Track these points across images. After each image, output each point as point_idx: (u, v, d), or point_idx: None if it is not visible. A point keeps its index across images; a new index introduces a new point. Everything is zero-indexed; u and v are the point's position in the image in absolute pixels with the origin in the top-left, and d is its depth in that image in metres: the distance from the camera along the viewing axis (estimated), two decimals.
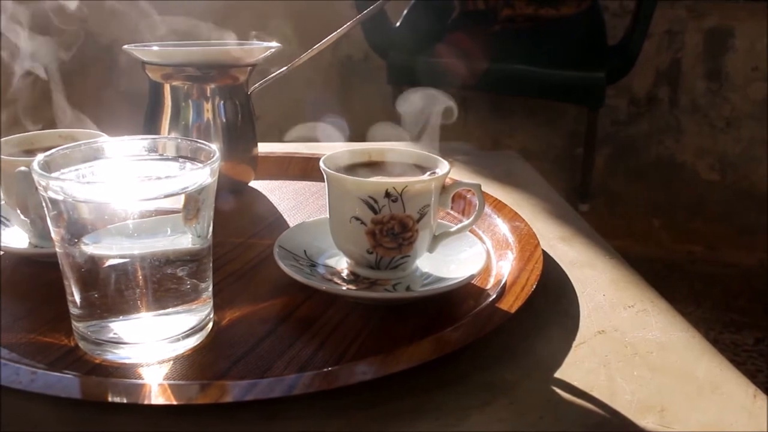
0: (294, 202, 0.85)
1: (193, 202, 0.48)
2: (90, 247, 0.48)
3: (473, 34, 2.08)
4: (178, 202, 0.48)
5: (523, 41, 2.14)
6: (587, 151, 2.26)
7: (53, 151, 0.51)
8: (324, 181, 0.62)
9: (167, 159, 0.54)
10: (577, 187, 2.32)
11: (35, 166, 0.48)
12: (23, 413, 0.46)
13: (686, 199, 2.45)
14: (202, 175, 0.48)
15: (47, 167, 0.49)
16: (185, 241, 0.50)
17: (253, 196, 0.87)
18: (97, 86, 2.33)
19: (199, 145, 0.54)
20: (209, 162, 0.49)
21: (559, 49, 2.11)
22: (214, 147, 0.51)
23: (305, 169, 0.94)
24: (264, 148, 0.90)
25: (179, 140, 0.55)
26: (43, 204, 0.48)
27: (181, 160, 0.54)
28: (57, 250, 0.50)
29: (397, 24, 2.21)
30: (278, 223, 0.79)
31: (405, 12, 2.23)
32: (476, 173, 0.99)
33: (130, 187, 0.49)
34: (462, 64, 1.97)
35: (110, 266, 0.48)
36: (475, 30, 2.12)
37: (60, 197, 0.47)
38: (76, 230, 0.48)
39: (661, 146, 2.47)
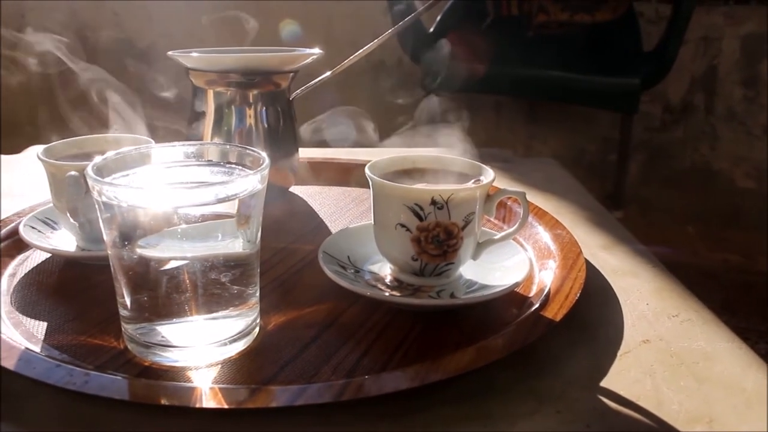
0: (334, 208, 0.85)
1: (244, 207, 0.49)
2: (142, 251, 0.49)
3: (507, 39, 2.08)
4: (232, 208, 0.49)
5: (558, 47, 2.13)
6: (621, 157, 2.25)
7: (106, 156, 0.52)
8: (366, 187, 0.63)
9: (216, 165, 0.55)
10: (610, 194, 2.30)
11: (89, 171, 0.48)
12: (71, 413, 0.47)
13: (721, 207, 2.43)
14: (253, 181, 0.49)
15: (100, 172, 0.50)
16: (237, 245, 0.50)
17: (294, 201, 0.88)
18: (132, 90, 2.36)
19: (247, 151, 0.54)
20: (260, 168, 0.50)
21: (594, 55, 2.10)
22: (264, 154, 0.52)
23: (345, 174, 0.95)
24: (303, 153, 0.90)
25: (228, 146, 0.56)
26: (96, 207, 0.49)
27: (228, 165, 0.55)
28: (108, 252, 0.51)
29: (431, 29, 2.21)
30: (320, 228, 0.79)
31: (439, 18, 2.23)
32: (515, 180, 0.99)
33: (182, 193, 0.50)
34: (495, 70, 1.97)
35: (161, 270, 0.49)
36: (509, 36, 2.12)
37: (114, 202, 0.47)
38: (129, 233, 0.48)
39: (696, 153, 2.45)
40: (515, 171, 1.04)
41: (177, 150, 0.56)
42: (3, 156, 1.11)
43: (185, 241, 0.48)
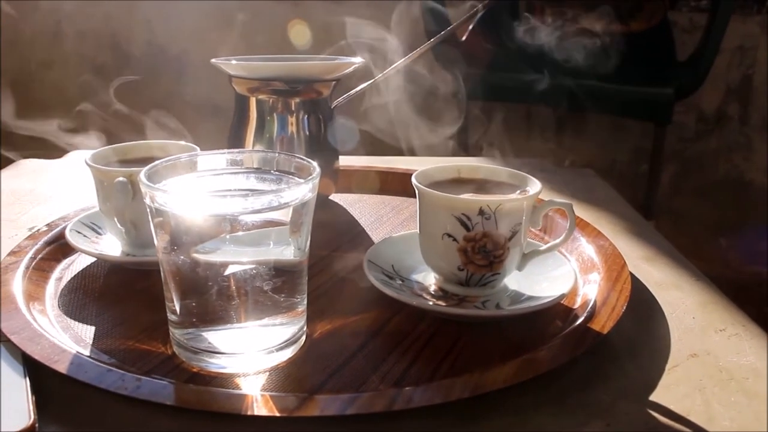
0: (375, 216, 0.85)
1: (296, 215, 0.49)
2: (193, 256, 0.49)
3: (540, 48, 2.07)
4: (286, 216, 0.49)
5: (591, 56, 2.12)
6: (653, 168, 2.23)
7: (157, 162, 0.52)
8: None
9: (266, 172, 0.55)
10: (642, 205, 2.28)
11: (143, 177, 0.49)
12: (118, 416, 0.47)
13: (755, 219, 2.39)
14: (304, 190, 0.49)
15: (152, 178, 0.50)
16: (288, 253, 0.51)
17: (334, 209, 0.88)
18: (164, 95, 2.38)
19: (296, 159, 0.54)
20: (311, 177, 0.50)
21: (628, 64, 2.08)
22: (314, 162, 0.52)
23: (383, 183, 0.95)
24: (341, 161, 0.90)
25: (277, 154, 0.56)
26: (147, 212, 0.50)
27: (276, 173, 0.55)
28: (159, 256, 0.51)
29: (463, 38, 2.20)
30: (361, 236, 0.79)
31: (471, 27, 2.23)
32: (552, 190, 0.98)
33: (236, 200, 0.50)
34: (527, 79, 1.96)
35: (212, 275, 0.49)
36: (541, 45, 2.11)
37: (167, 208, 0.48)
38: (181, 239, 0.49)
39: (729, 164, 2.42)
40: (552, 181, 1.03)
41: (226, 157, 0.56)
42: (44, 161, 1.12)
43: (238, 248, 0.49)
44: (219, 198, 0.52)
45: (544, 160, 1.16)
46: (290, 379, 0.51)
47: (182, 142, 0.74)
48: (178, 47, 2.45)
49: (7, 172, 1.06)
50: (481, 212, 0.57)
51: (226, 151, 0.57)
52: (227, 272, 0.49)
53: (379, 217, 0.85)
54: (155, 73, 2.43)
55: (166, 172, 0.53)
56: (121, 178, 0.64)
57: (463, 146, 2.17)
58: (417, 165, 0.67)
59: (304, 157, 0.54)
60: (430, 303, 0.61)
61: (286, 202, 0.48)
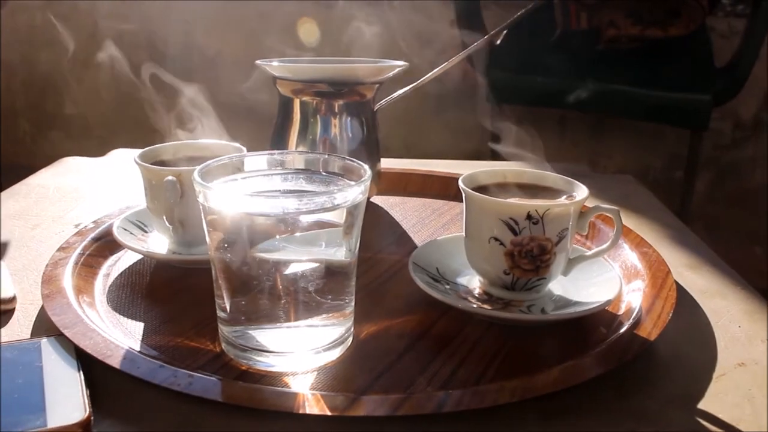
0: (416, 219, 0.86)
1: (349, 217, 0.50)
2: (246, 255, 0.50)
3: (575, 53, 2.06)
4: (339, 217, 0.49)
5: (627, 62, 2.10)
6: (688, 175, 2.20)
7: (209, 162, 0.53)
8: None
9: (313, 173, 0.56)
10: (676, 211, 2.25)
11: (196, 176, 0.50)
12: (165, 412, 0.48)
13: None
14: (356, 191, 0.50)
15: (204, 178, 0.51)
16: (339, 254, 0.51)
17: (376, 211, 0.89)
18: (199, 96, 2.39)
19: (345, 161, 0.55)
20: (363, 179, 0.51)
21: (665, 70, 2.07)
22: (365, 165, 0.53)
23: (423, 186, 0.96)
24: (381, 163, 0.91)
25: (327, 156, 0.56)
26: (201, 211, 0.50)
27: (324, 174, 0.56)
28: (210, 254, 0.52)
29: (498, 42, 2.20)
30: (404, 239, 0.80)
31: (506, 31, 2.22)
32: (591, 196, 0.98)
33: (290, 200, 0.50)
34: (563, 83, 1.95)
35: (263, 275, 0.50)
36: (577, 49, 2.10)
37: (221, 208, 0.49)
38: (235, 238, 0.50)
39: (765, 172, 2.39)
40: (592, 187, 1.02)
41: (274, 158, 0.57)
42: (87, 158, 1.14)
43: (290, 248, 0.49)
44: (273, 198, 0.52)
45: (580, 165, 1.16)
46: (338, 379, 0.51)
47: (227, 142, 0.75)
48: (214, 48, 2.47)
49: (51, 170, 1.08)
50: (529, 217, 0.58)
51: (275, 152, 0.57)
52: (279, 272, 0.50)
53: (420, 220, 0.85)
54: (191, 73, 2.45)
55: (217, 172, 0.54)
56: (170, 177, 0.65)
57: (495, 150, 2.16)
58: (456, 168, 0.67)
59: (353, 159, 0.54)
60: (475, 306, 0.61)
61: (339, 204, 0.49)
